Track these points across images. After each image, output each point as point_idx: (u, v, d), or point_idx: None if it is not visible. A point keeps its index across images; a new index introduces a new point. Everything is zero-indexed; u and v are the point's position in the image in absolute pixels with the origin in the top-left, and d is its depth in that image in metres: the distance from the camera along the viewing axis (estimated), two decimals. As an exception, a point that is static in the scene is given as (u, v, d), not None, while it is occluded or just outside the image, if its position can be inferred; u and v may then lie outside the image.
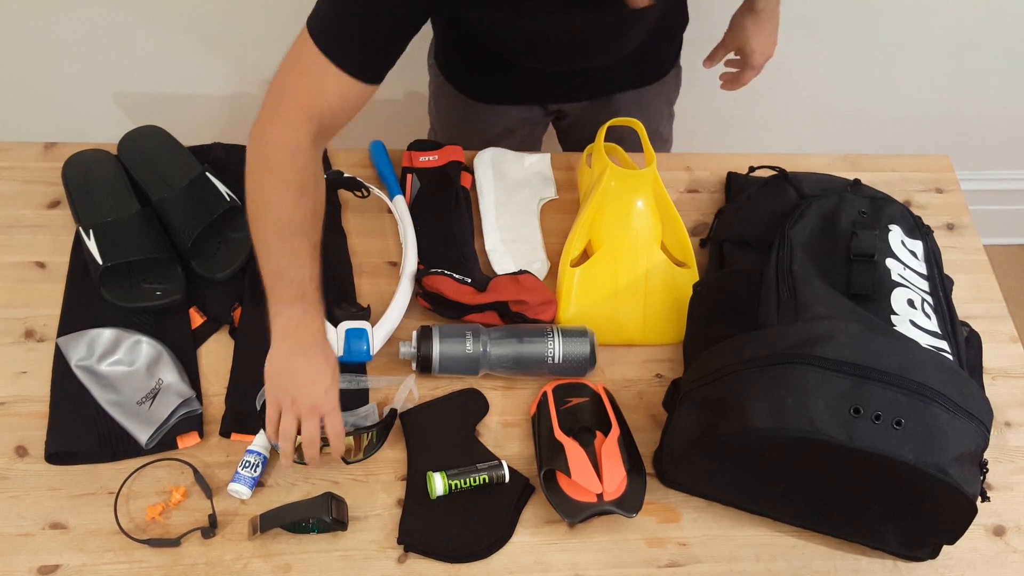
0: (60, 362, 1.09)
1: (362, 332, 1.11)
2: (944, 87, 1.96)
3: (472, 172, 1.33)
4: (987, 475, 0.98)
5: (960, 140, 2.04)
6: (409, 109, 1.86)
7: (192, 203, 1.19)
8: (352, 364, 1.12)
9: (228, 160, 1.28)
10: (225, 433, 1.07)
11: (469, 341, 1.11)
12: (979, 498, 0.95)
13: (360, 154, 1.34)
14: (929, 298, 1.09)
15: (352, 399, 1.11)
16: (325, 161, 1.32)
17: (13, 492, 1.01)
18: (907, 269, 1.11)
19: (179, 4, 1.61)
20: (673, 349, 1.20)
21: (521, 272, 1.19)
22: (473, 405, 1.13)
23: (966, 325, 1.13)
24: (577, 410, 1.10)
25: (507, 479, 1.04)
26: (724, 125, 1.96)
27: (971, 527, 0.96)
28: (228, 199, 1.20)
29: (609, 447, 1.05)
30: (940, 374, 0.94)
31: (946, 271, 1.15)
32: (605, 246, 1.22)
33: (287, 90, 1.01)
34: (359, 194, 1.26)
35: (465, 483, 1.03)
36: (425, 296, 1.17)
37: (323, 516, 0.98)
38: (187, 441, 1.06)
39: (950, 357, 1.03)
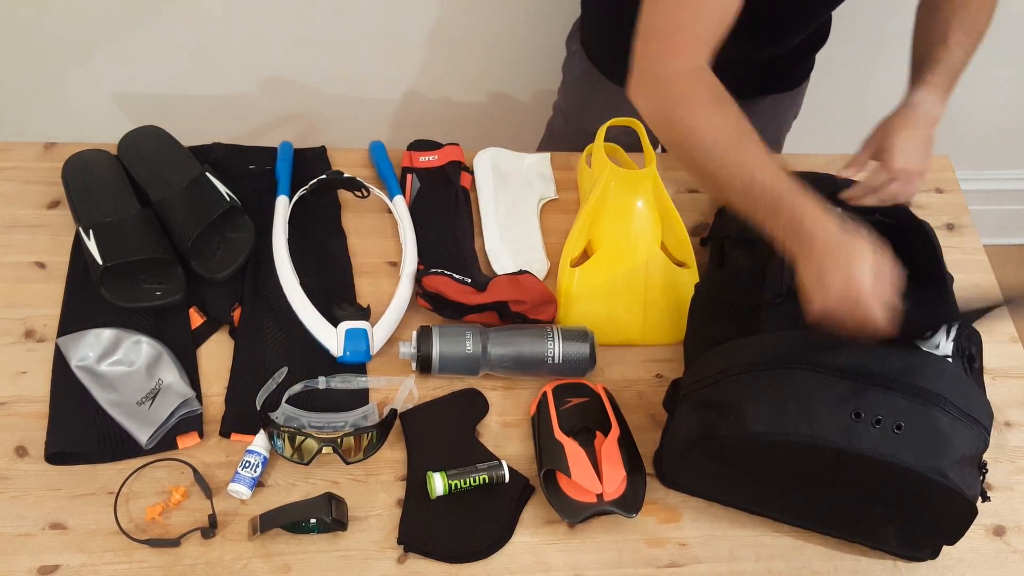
0: (60, 362, 1.09)
1: (362, 332, 1.11)
2: (944, 87, 1.96)
3: (472, 172, 1.33)
4: (986, 475, 0.98)
5: (960, 140, 2.03)
6: (409, 109, 1.86)
7: (192, 203, 1.19)
8: (352, 364, 1.12)
9: (228, 160, 1.28)
10: (225, 433, 1.07)
11: (469, 341, 1.11)
12: (979, 499, 0.95)
13: (360, 154, 1.34)
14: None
15: (352, 399, 1.11)
16: (325, 161, 1.32)
17: (13, 492, 1.01)
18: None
19: (179, 4, 1.61)
20: (673, 349, 1.20)
21: (521, 272, 1.19)
22: (473, 405, 1.13)
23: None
24: (577, 410, 1.10)
25: (507, 479, 1.04)
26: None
27: (971, 527, 0.96)
28: (228, 199, 1.20)
29: (609, 447, 1.05)
30: (941, 378, 0.93)
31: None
32: (605, 246, 1.22)
33: (666, 26, 0.98)
34: (359, 194, 1.26)
35: (465, 483, 1.03)
36: (425, 296, 1.17)
37: (323, 516, 0.98)
38: (187, 441, 1.06)
39: (950, 360, 1.03)
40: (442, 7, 1.65)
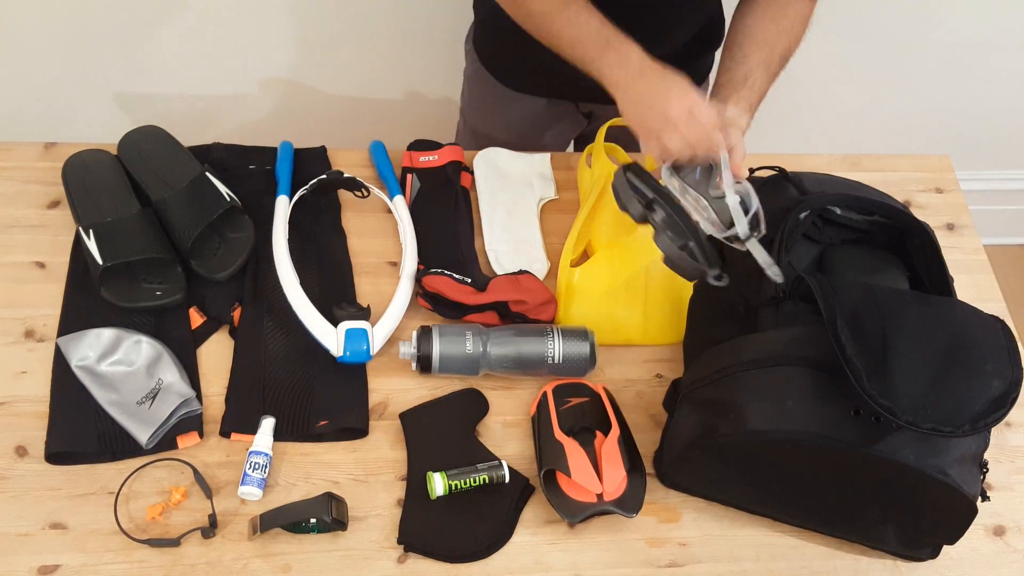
0: (60, 362, 1.09)
1: (362, 332, 1.11)
2: (944, 87, 1.97)
3: (472, 172, 1.33)
4: (987, 475, 0.98)
5: (960, 140, 2.04)
6: (409, 109, 1.86)
7: (192, 203, 1.19)
8: (352, 364, 1.12)
9: (228, 160, 1.28)
10: (225, 433, 1.07)
11: (469, 341, 1.11)
12: (979, 498, 0.95)
13: (360, 154, 1.34)
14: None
15: (350, 398, 1.11)
16: (325, 161, 1.32)
17: (13, 492, 1.01)
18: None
19: (179, 4, 1.61)
20: (673, 349, 1.20)
21: (521, 272, 1.19)
22: (473, 405, 1.13)
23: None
24: (577, 410, 1.10)
25: (507, 479, 1.04)
26: (724, 125, 1.96)
27: (971, 527, 0.96)
28: (228, 199, 1.20)
29: (609, 447, 1.05)
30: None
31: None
32: (605, 246, 1.22)
33: None
34: (359, 194, 1.26)
35: (465, 483, 1.03)
36: (425, 296, 1.17)
37: (323, 516, 0.98)
38: (187, 441, 1.06)
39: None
40: (442, 7, 1.65)
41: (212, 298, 1.17)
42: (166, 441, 1.05)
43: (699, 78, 1.38)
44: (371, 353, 1.12)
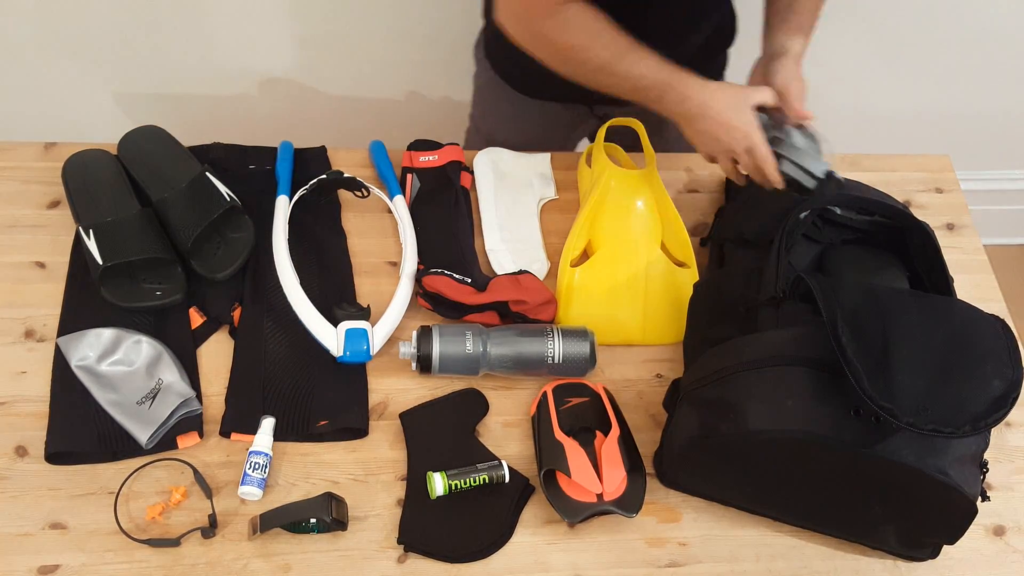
0: (60, 362, 1.09)
1: (362, 332, 1.11)
2: (945, 87, 1.97)
3: (472, 172, 1.33)
4: (987, 475, 0.98)
5: (960, 140, 2.04)
6: (409, 109, 1.86)
7: (192, 203, 1.19)
8: (352, 364, 1.12)
9: (228, 160, 1.28)
10: (225, 433, 1.07)
11: (469, 341, 1.11)
12: (979, 498, 0.95)
13: (360, 154, 1.34)
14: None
15: (350, 398, 1.11)
16: (325, 161, 1.32)
17: (13, 492, 1.01)
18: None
19: (179, 4, 1.61)
20: (673, 349, 1.20)
21: (521, 272, 1.19)
22: (473, 405, 1.13)
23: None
24: (577, 410, 1.10)
25: (507, 479, 1.04)
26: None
27: (971, 527, 0.96)
28: (228, 199, 1.20)
29: (609, 447, 1.05)
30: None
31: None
32: (605, 246, 1.22)
33: None
34: (359, 194, 1.26)
35: (465, 483, 1.03)
36: (425, 296, 1.17)
37: (323, 516, 0.98)
38: (187, 441, 1.06)
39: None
40: (443, 7, 1.65)
41: (212, 298, 1.17)
42: (166, 441, 1.05)
43: (713, 76, 1.37)
44: (371, 353, 1.12)
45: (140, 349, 1.09)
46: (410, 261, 1.20)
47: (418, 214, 1.26)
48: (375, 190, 1.26)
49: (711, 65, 1.37)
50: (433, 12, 1.66)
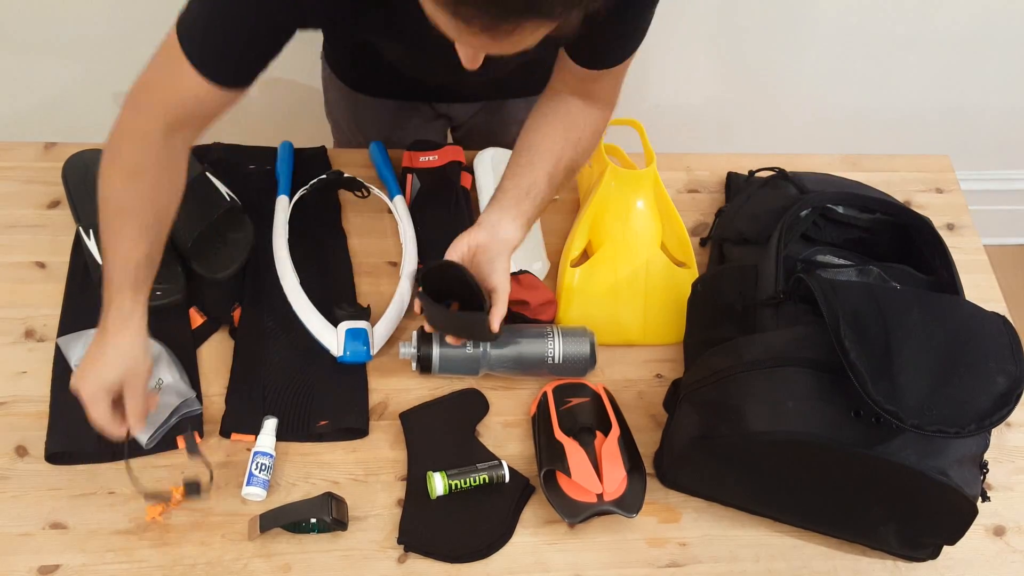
0: (60, 362, 1.09)
1: (362, 332, 1.11)
2: (944, 86, 1.96)
3: (472, 172, 1.33)
4: (987, 475, 0.98)
5: (960, 140, 2.04)
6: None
7: (192, 203, 1.18)
8: (352, 364, 1.12)
9: (228, 160, 1.28)
10: (225, 433, 1.07)
11: (469, 341, 1.11)
12: (979, 498, 0.95)
13: (360, 154, 1.34)
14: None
15: (350, 398, 1.11)
16: (325, 161, 1.32)
17: (13, 492, 1.01)
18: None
19: (179, 4, 1.61)
20: (673, 349, 1.20)
21: (521, 272, 1.19)
22: (473, 405, 1.13)
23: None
24: (577, 410, 1.10)
25: (507, 479, 1.04)
26: (724, 125, 1.96)
27: (971, 527, 0.96)
28: (228, 199, 1.20)
29: (609, 447, 1.05)
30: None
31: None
32: (605, 246, 1.22)
33: (146, 83, 0.99)
34: (359, 194, 1.26)
35: (465, 483, 1.03)
36: (425, 296, 1.16)
37: (323, 516, 0.98)
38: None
39: None
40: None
41: (212, 298, 1.17)
42: (166, 441, 1.05)
43: (536, 88, 1.19)
44: (371, 353, 1.12)
45: (140, 349, 1.09)
46: (410, 261, 1.20)
47: (418, 214, 1.26)
48: (375, 190, 1.26)
49: (529, 81, 1.17)
50: (433, 12, 1.65)
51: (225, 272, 1.17)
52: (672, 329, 1.20)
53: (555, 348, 1.12)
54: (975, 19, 1.81)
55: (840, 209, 1.16)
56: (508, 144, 1.18)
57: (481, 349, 1.11)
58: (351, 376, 1.12)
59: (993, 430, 0.94)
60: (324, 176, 1.25)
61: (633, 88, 1.14)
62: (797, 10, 1.74)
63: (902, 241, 1.15)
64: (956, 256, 1.10)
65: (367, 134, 1.37)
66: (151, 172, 0.98)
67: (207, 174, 1.21)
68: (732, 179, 1.36)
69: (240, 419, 1.08)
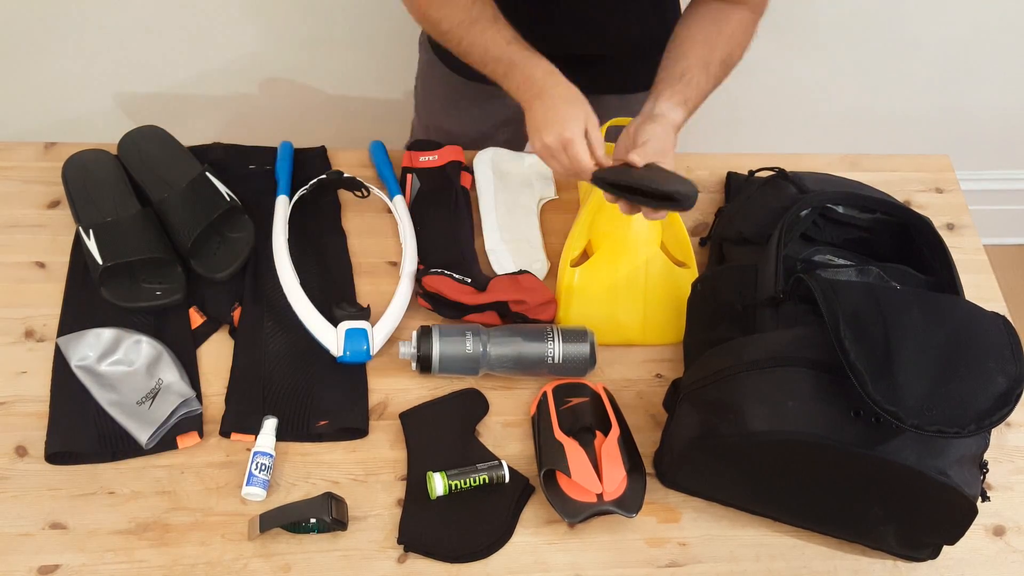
0: (60, 362, 1.09)
1: (362, 332, 1.11)
2: (944, 87, 1.96)
3: (472, 172, 1.33)
4: (987, 475, 0.98)
5: (960, 140, 2.04)
6: (409, 109, 1.86)
7: (192, 203, 1.19)
8: (352, 364, 1.12)
9: (228, 160, 1.28)
10: (225, 433, 1.07)
11: (469, 341, 1.11)
12: (979, 498, 0.95)
13: (360, 154, 1.34)
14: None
15: (350, 398, 1.11)
16: (325, 161, 1.32)
17: (13, 492, 1.01)
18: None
19: (179, 4, 1.61)
20: (673, 349, 1.20)
21: (521, 272, 1.19)
22: (473, 405, 1.13)
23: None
24: (577, 410, 1.10)
25: (507, 479, 1.04)
26: (724, 125, 1.96)
27: (971, 527, 0.96)
28: (228, 199, 1.20)
29: (609, 447, 1.05)
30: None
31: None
32: (605, 246, 1.22)
33: None
34: (359, 194, 1.26)
35: (465, 483, 1.03)
36: (425, 296, 1.17)
37: (323, 516, 0.98)
38: (187, 441, 1.06)
39: None
40: (442, 7, 1.64)
41: (212, 298, 1.17)
42: (166, 441, 1.05)
43: (647, 79, 1.30)
44: (371, 353, 1.12)
45: (140, 349, 1.09)
46: (410, 261, 1.20)
47: (418, 214, 1.26)
48: (375, 190, 1.26)
49: (656, 57, 1.28)
50: (433, 12, 1.65)
51: (225, 272, 1.17)
52: (672, 329, 1.20)
53: (555, 348, 1.12)
54: (975, 19, 1.81)
55: (840, 209, 1.16)
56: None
57: (481, 349, 1.11)
58: (351, 376, 1.12)
59: (993, 430, 0.94)
60: (324, 176, 1.25)
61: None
62: (797, 10, 1.74)
63: (902, 241, 1.15)
64: (956, 256, 1.10)
65: (460, 125, 1.37)
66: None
67: (207, 174, 1.21)
68: (732, 179, 1.36)
69: (240, 419, 1.08)
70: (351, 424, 1.09)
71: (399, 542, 1.01)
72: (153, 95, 1.78)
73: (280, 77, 1.78)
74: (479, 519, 1.03)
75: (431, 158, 1.31)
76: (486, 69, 1.08)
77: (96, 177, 1.22)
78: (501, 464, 1.05)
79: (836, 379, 0.92)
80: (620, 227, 1.22)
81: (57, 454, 1.03)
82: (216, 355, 1.13)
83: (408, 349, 1.11)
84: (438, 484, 1.02)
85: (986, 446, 0.96)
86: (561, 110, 1.03)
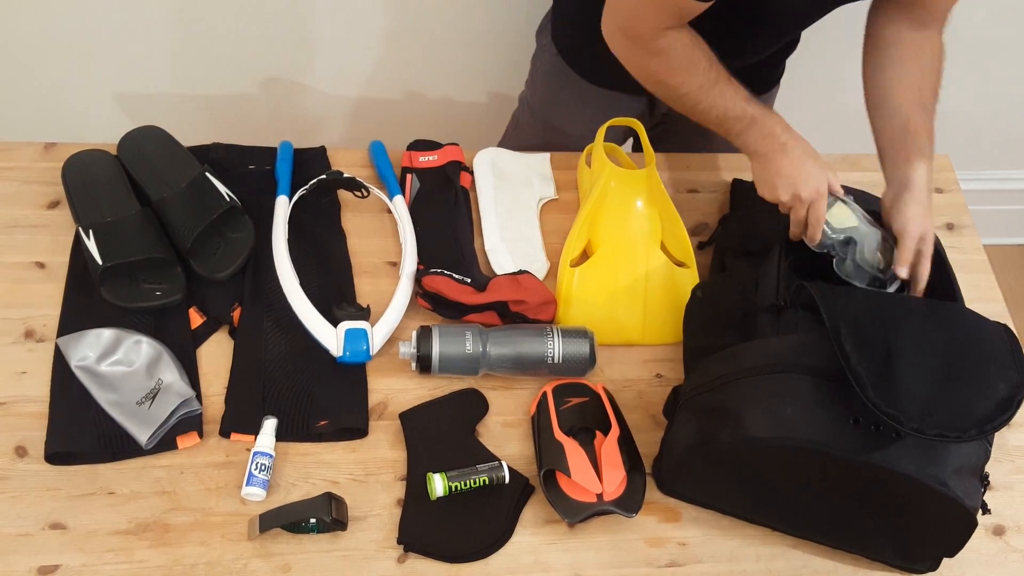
0: (60, 362, 1.09)
1: (362, 332, 1.11)
2: (944, 87, 1.96)
3: (472, 172, 1.33)
4: (988, 487, 0.97)
5: (960, 140, 2.04)
6: (409, 109, 1.86)
7: (192, 203, 1.19)
8: (352, 364, 1.12)
9: (228, 160, 1.28)
10: (225, 433, 1.07)
11: (469, 341, 1.11)
12: (979, 510, 0.94)
13: (360, 154, 1.34)
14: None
15: (350, 398, 1.11)
16: (325, 161, 1.32)
17: (13, 492, 1.01)
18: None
19: (179, 4, 1.61)
20: (673, 349, 1.20)
21: (521, 272, 1.19)
22: (473, 405, 1.13)
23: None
24: (577, 410, 1.10)
25: (507, 480, 1.04)
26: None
27: (971, 527, 0.96)
28: (228, 199, 1.20)
29: (609, 447, 1.05)
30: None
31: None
32: (605, 246, 1.22)
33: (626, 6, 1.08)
34: (359, 194, 1.26)
35: (465, 485, 1.03)
36: (425, 296, 1.17)
37: (323, 516, 0.98)
38: (187, 441, 1.06)
39: None
40: (442, 7, 1.64)
41: (212, 298, 1.17)
42: (166, 441, 1.05)
43: (771, 83, 1.41)
44: (371, 353, 1.12)
45: (140, 349, 1.09)
46: (410, 261, 1.20)
47: (418, 214, 1.26)
48: (375, 190, 1.26)
49: (773, 73, 1.40)
50: (434, 12, 1.66)
51: (225, 272, 1.17)
52: (671, 329, 1.20)
53: (555, 348, 1.12)
54: (975, 19, 1.80)
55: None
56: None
57: (481, 349, 1.11)
58: (351, 376, 1.13)
59: (993, 430, 0.95)
60: (324, 176, 1.25)
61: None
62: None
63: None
64: (956, 256, 1.11)
65: (580, 126, 1.37)
66: (698, 52, 1.09)
67: (207, 174, 1.21)
68: (737, 186, 1.36)
69: (240, 419, 1.08)
70: (351, 424, 1.09)
71: (399, 542, 1.01)
72: (153, 95, 1.78)
73: (280, 77, 1.77)
74: (479, 519, 1.03)
75: (431, 158, 1.31)
76: (720, 127, 1.12)
77: (96, 177, 1.22)
78: (501, 464, 1.05)
79: (836, 387, 0.91)
80: (620, 227, 1.22)
81: (57, 454, 1.03)
82: (216, 355, 1.13)
83: (408, 349, 1.11)
84: (438, 485, 1.02)
85: (987, 458, 0.96)
86: (808, 164, 1.08)
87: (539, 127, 1.46)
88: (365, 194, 1.26)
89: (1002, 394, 0.89)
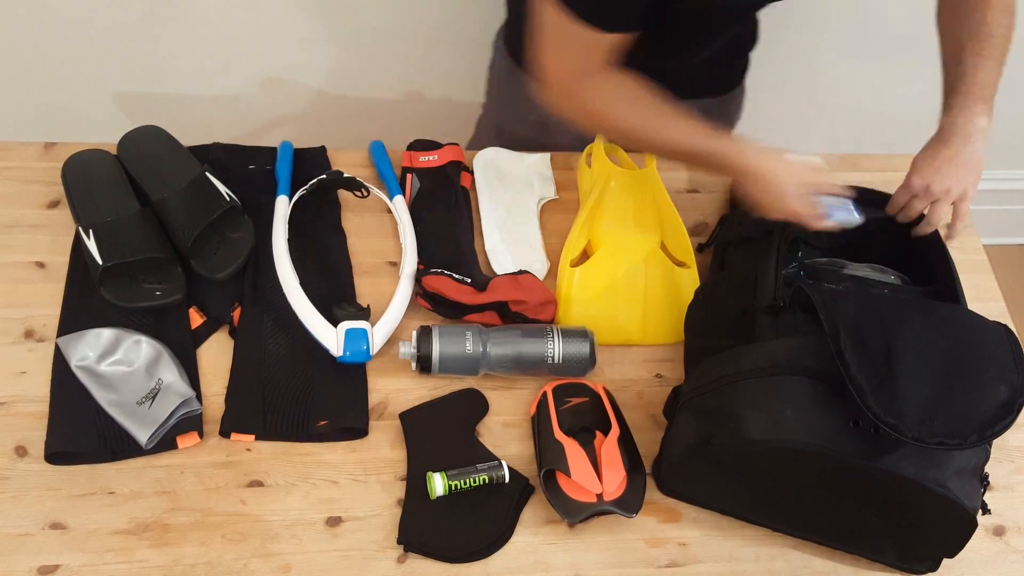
0: (60, 362, 1.09)
1: (362, 332, 1.11)
2: (944, 87, 1.96)
3: (472, 172, 1.33)
4: (988, 488, 0.97)
5: (960, 140, 2.03)
6: (409, 109, 1.86)
7: (192, 203, 1.19)
8: (352, 364, 1.12)
9: (228, 160, 1.28)
10: (225, 433, 1.07)
11: (469, 341, 1.11)
12: (980, 511, 0.94)
13: (360, 154, 1.34)
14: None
15: (350, 398, 1.11)
16: (325, 161, 1.32)
17: (13, 492, 1.01)
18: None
19: (179, 4, 1.61)
20: (673, 349, 1.20)
21: (521, 272, 1.19)
22: (473, 405, 1.13)
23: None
24: (577, 410, 1.10)
25: (507, 479, 1.04)
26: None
27: (970, 528, 0.96)
28: (228, 199, 1.20)
29: (609, 447, 1.05)
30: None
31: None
32: (605, 246, 1.22)
33: (556, 48, 1.05)
34: (359, 194, 1.26)
35: (465, 483, 1.03)
36: (425, 296, 1.17)
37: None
38: (187, 441, 1.06)
39: None
40: (442, 7, 1.65)
41: (212, 298, 1.17)
42: (166, 441, 1.05)
43: (731, 84, 1.38)
44: (371, 353, 1.12)
45: (140, 349, 1.09)
46: (410, 261, 1.20)
47: (418, 214, 1.26)
48: (375, 190, 1.26)
49: (733, 63, 1.37)
50: (433, 12, 1.66)
51: (225, 272, 1.17)
52: (672, 329, 1.20)
53: (555, 348, 1.12)
54: (975, 19, 1.80)
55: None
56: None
57: (481, 349, 1.11)
58: (351, 376, 1.13)
59: (992, 431, 0.94)
60: (324, 176, 1.25)
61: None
62: (797, 11, 1.74)
63: (904, 242, 1.15)
64: (956, 256, 1.10)
65: (532, 130, 1.37)
66: (640, 88, 1.07)
67: (207, 174, 1.21)
68: (737, 186, 1.35)
69: (240, 419, 1.08)
70: (351, 424, 1.09)
71: (399, 542, 1.01)
72: (153, 95, 1.78)
73: (280, 77, 1.77)
74: (479, 519, 1.03)
75: (431, 158, 1.31)
76: (684, 162, 1.11)
77: (96, 177, 1.22)
78: (501, 464, 1.05)
79: (835, 389, 0.91)
80: (620, 227, 1.22)
81: (57, 454, 1.03)
82: (216, 355, 1.13)
83: (408, 349, 1.11)
84: (438, 484, 1.02)
85: (987, 459, 0.95)
86: (785, 161, 1.06)
87: (493, 131, 1.46)
88: (365, 194, 1.26)
89: (1002, 398, 0.88)
